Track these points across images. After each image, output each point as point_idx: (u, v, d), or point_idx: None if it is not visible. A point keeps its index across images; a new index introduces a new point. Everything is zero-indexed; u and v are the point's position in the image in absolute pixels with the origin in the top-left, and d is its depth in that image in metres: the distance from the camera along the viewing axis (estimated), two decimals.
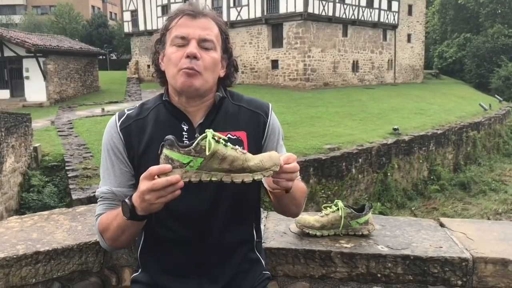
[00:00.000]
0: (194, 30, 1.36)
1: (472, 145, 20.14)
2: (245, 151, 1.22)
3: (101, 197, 1.46)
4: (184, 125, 1.41)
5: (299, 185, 1.46)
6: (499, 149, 22.25)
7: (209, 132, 1.17)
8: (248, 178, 1.18)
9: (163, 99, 1.45)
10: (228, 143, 1.20)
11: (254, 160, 1.20)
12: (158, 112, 1.45)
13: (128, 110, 1.49)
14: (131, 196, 1.26)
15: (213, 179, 1.18)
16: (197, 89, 1.37)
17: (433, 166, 17.52)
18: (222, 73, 1.46)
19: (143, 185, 1.18)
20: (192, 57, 1.34)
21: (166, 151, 1.17)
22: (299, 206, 1.52)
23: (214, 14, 1.43)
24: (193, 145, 1.16)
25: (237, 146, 1.22)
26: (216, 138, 1.17)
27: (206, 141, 1.16)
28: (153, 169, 1.17)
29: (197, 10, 1.39)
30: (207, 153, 1.15)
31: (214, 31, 1.40)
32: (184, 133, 1.41)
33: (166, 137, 1.18)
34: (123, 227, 1.33)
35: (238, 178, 1.18)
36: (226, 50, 1.46)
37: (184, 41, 1.36)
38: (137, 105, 1.51)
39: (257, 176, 1.19)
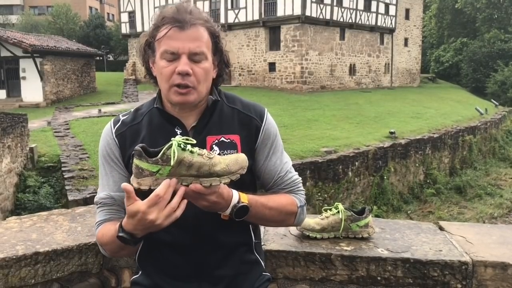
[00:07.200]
0: (183, 44, 1.32)
1: (468, 149, 20.20)
2: (212, 155, 1.23)
3: (100, 203, 1.45)
4: (177, 129, 1.41)
5: (268, 204, 1.43)
6: (495, 153, 22.33)
7: (175, 141, 1.20)
8: (216, 182, 1.21)
9: (155, 105, 1.45)
10: (196, 148, 1.21)
11: (220, 164, 1.22)
12: (152, 117, 1.45)
13: (122, 116, 1.49)
14: (120, 227, 1.27)
15: (183, 183, 1.21)
16: (192, 102, 1.38)
17: (429, 170, 17.56)
18: (214, 73, 1.44)
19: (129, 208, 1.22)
20: (184, 74, 1.33)
21: (135, 161, 1.20)
22: (269, 223, 1.60)
23: (202, 18, 1.37)
24: (160, 154, 1.18)
25: (204, 151, 1.23)
26: (182, 146, 1.19)
27: (171, 150, 1.18)
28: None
29: (184, 19, 1.32)
30: (172, 162, 1.17)
31: (204, 39, 1.35)
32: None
33: (135, 147, 1.20)
34: (123, 246, 1.32)
35: (206, 182, 1.21)
36: (217, 50, 1.42)
37: (174, 55, 1.33)
38: (132, 110, 1.51)
39: (224, 180, 1.22)
